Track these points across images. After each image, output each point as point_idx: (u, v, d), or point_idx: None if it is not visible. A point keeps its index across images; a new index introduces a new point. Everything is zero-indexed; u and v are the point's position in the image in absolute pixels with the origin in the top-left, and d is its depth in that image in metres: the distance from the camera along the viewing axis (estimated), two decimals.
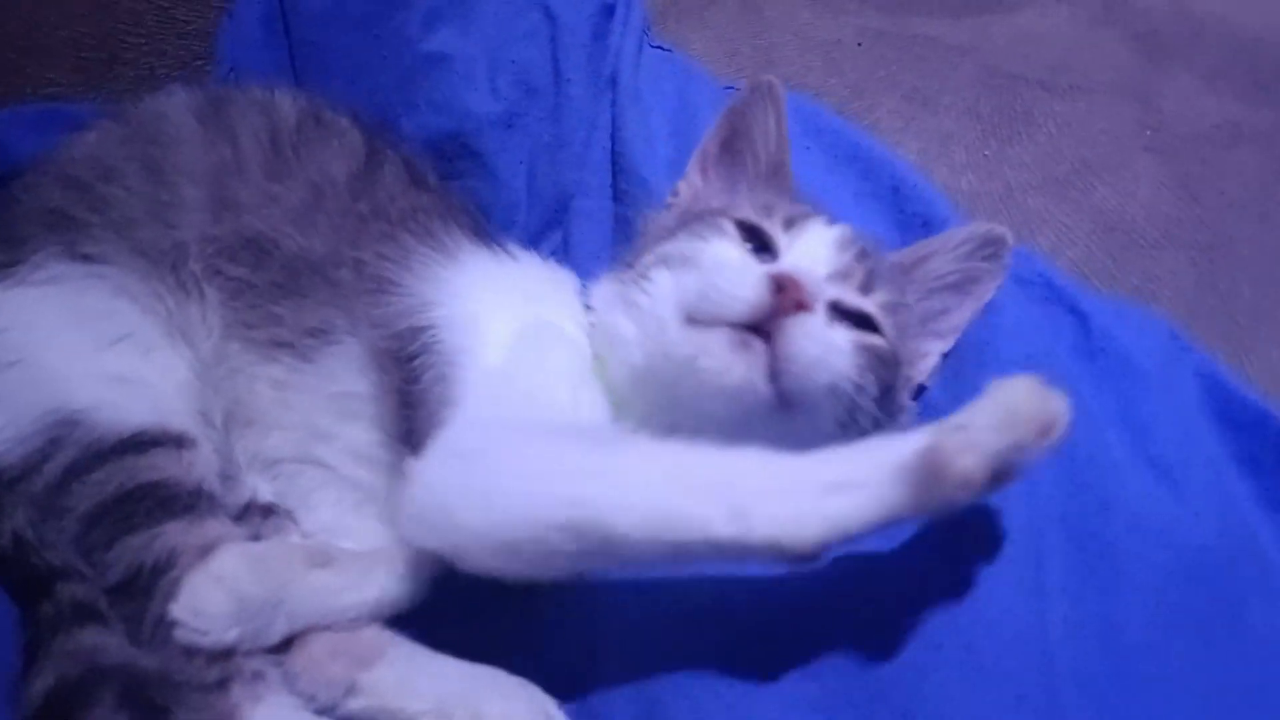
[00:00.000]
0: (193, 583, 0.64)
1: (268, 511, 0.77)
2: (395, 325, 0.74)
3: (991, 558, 0.61)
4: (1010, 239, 0.74)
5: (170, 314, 0.76)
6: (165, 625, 0.63)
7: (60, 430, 0.69)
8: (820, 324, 0.63)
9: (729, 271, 0.65)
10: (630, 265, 0.76)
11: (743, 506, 0.53)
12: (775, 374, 0.62)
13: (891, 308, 0.69)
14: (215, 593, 0.64)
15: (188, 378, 0.76)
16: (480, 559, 0.60)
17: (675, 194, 0.83)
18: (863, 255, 0.70)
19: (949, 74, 0.98)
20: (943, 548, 0.62)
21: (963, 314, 0.75)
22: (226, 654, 0.63)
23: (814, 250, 0.68)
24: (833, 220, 0.72)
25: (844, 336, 0.65)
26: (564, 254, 0.94)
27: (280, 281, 0.76)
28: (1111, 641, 0.60)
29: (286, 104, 0.85)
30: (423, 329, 0.74)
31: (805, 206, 0.75)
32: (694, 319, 0.65)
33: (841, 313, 0.67)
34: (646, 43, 1.02)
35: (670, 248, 0.72)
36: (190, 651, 0.63)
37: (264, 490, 0.78)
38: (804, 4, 1.07)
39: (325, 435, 0.75)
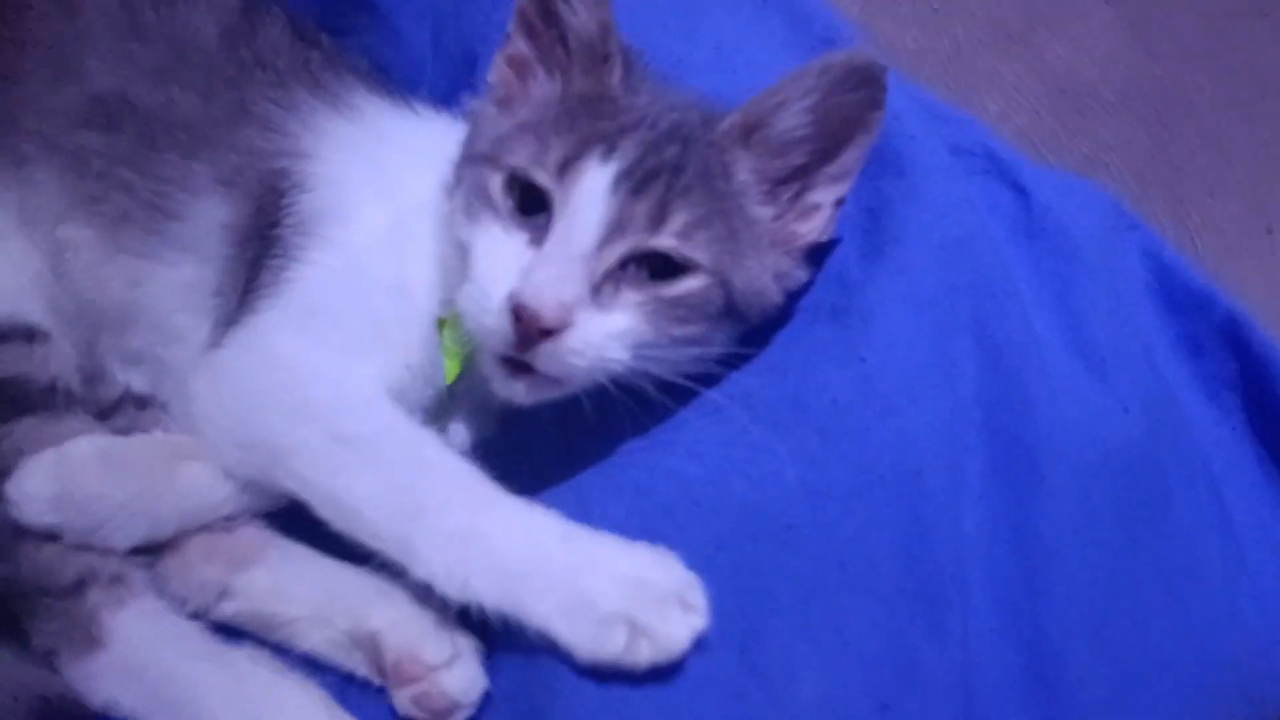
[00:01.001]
0: (31, 463, 0.62)
1: (142, 404, 0.74)
2: (268, 163, 0.71)
3: (906, 463, 0.57)
4: (879, 70, 0.61)
5: (20, 200, 0.71)
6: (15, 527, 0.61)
7: None
8: (577, 334, 0.57)
9: (483, 302, 0.59)
10: (454, 185, 0.67)
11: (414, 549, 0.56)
12: (551, 381, 0.60)
13: (703, 219, 0.61)
14: (46, 476, 0.62)
15: (39, 268, 0.71)
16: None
17: (492, 74, 0.71)
18: (650, 178, 0.60)
19: None
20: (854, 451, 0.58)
21: (850, 155, 0.64)
22: (79, 555, 0.61)
23: (586, 207, 0.59)
24: (610, 149, 0.61)
25: (621, 318, 0.59)
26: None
27: (133, 145, 0.72)
28: (1027, 546, 0.57)
29: None
30: (292, 180, 0.70)
31: (606, 121, 0.62)
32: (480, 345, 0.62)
33: (628, 277, 0.60)
34: None
35: (448, 205, 0.66)
36: (38, 552, 0.60)
37: (138, 382, 0.74)
38: None
39: (178, 334, 0.71)
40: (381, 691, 0.60)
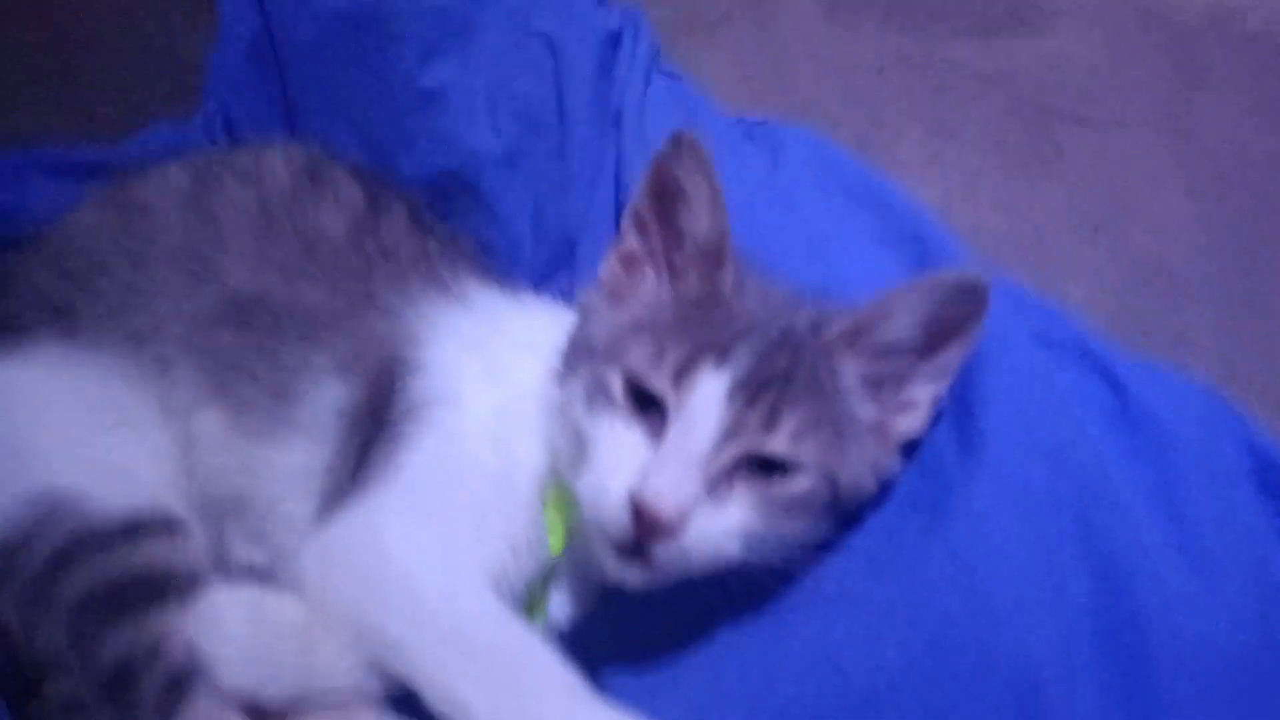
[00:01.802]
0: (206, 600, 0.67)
1: (265, 577, 0.75)
2: (385, 350, 0.74)
3: (1024, 678, 0.57)
4: (985, 285, 0.64)
5: (160, 396, 0.76)
6: (161, 714, 0.63)
7: (48, 515, 0.69)
8: (692, 535, 0.60)
9: (603, 496, 0.61)
10: (561, 378, 0.71)
11: None
12: (656, 570, 0.62)
13: (811, 421, 0.63)
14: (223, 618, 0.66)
15: (177, 461, 0.76)
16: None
17: (604, 269, 0.74)
18: (764, 386, 0.63)
19: (975, 104, 0.92)
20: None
21: (949, 356, 0.67)
22: None
23: (697, 417, 0.62)
24: (723, 357, 0.63)
25: (736, 514, 0.61)
26: (570, 297, 0.90)
27: (261, 336, 0.76)
28: None
29: (278, 166, 0.84)
30: (406, 366, 0.74)
31: (719, 327, 0.65)
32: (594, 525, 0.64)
33: (742, 474, 0.62)
34: (655, 69, 0.98)
35: (566, 398, 0.68)
36: None
37: (259, 559, 0.76)
38: (820, 22, 1.02)
39: (290, 521, 0.74)
40: None
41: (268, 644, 0.65)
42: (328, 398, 0.75)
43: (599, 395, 0.65)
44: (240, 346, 0.76)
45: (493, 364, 0.75)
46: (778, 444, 0.62)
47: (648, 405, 0.64)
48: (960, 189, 0.90)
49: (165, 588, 0.68)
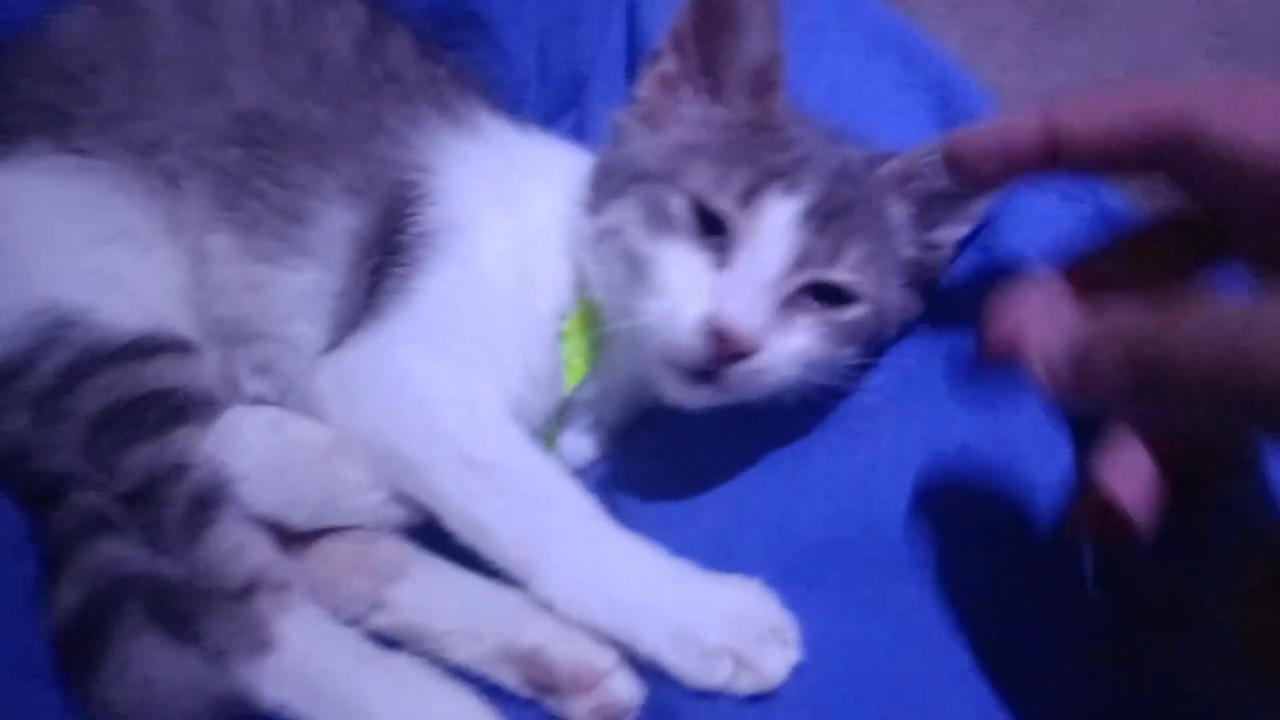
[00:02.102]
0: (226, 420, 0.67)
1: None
2: (396, 174, 0.74)
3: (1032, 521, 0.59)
4: None
5: (165, 212, 0.74)
6: (186, 531, 0.63)
7: (55, 330, 0.68)
8: (768, 355, 0.61)
9: (676, 320, 0.61)
10: (595, 203, 0.70)
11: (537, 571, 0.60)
12: (725, 391, 0.63)
13: (870, 255, 0.65)
14: (245, 436, 0.66)
15: (185, 280, 0.75)
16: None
17: (642, 89, 0.72)
18: (829, 217, 0.63)
19: None
20: None
21: (977, 205, 0.68)
22: (247, 560, 0.63)
23: (768, 244, 0.62)
24: (791, 183, 0.63)
25: (800, 338, 0.63)
26: (577, 138, 0.88)
27: (270, 155, 0.75)
28: None
29: None
30: (418, 192, 0.73)
31: (780, 153, 0.65)
32: (660, 357, 0.64)
33: (803, 303, 0.63)
34: None
35: (618, 218, 0.67)
36: (211, 554, 0.62)
37: (265, 391, 0.76)
38: None
39: (297, 343, 0.74)
40: (527, 704, 0.62)
41: (290, 464, 0.66)
42: (338, 222, 0.74)
43: (658, 218, 0.64)
44: (248, 165, 0.74)
45: (507, 194, 0.74)
46: (842, 274, 0.64)
47: (710, 229, 0.63)
48: (980, 41, 0.89)
49: (184, 406, 0.67)
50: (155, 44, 0.76)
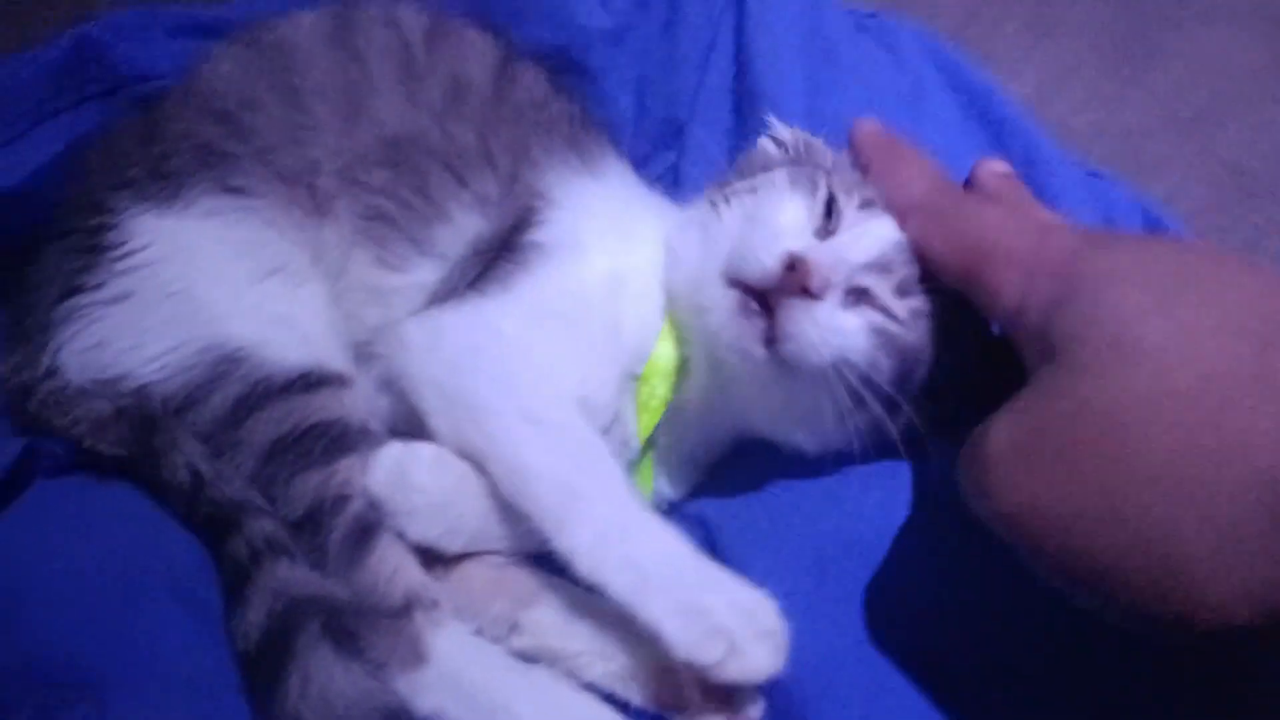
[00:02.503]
0: (383, 450, 0.71)
1: None
2: (524, 194, 0.79)
3: None
4: None
5: (309, 241, 0.79)
6: (349, 555, 0.68)
7: (224, 365, 0.72)
8: (825, 310, 0.64)
9: (763, 234, 0.66)
10: (724, 186, 0.76)
11: (565, 524, 0.64)
12: (771, 341, 0.65)
13: (925, 315, 0.68)
14: (391, 459, 0.70)
15: (331, 312, 0.79)
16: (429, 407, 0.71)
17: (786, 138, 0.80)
18: (912, 262, 0.68)
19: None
20: None
21: None
22: (404, 581, 0.68)
23: (868, 238, 0.68)
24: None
25: (857, 321, 0.66)
26: (672, 182, 0.94)
27: (416, 172, 0.79)
28: None
29: (410, 17, 0.86)
30: (539, 217, 0.77)
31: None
32: (726, 272, 0.67)
33: (869, 300, 0.67)
34: None
35: (762, 180, 0.73)
36: (375, 580, 0.68)
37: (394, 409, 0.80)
38: None
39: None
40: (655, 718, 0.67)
41: (452, 498, 0.70)
42: (470, 227, 0.78)
43: (802, 184, 0.70)
44: (396, 182, 0.79)
45: (618, 234, 0.79)
46: (900, 309, 0.67)
47: (828, 218, 0.69)
48: (1053, 83, 0.93)
49: (345, 436, 0.71)
50: (305, 77, 0.81)
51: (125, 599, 0.64)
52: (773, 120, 0.81)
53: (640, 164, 0.95)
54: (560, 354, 0.73)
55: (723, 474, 0.79)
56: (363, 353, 0.79)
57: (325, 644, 0.62)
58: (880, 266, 0.67)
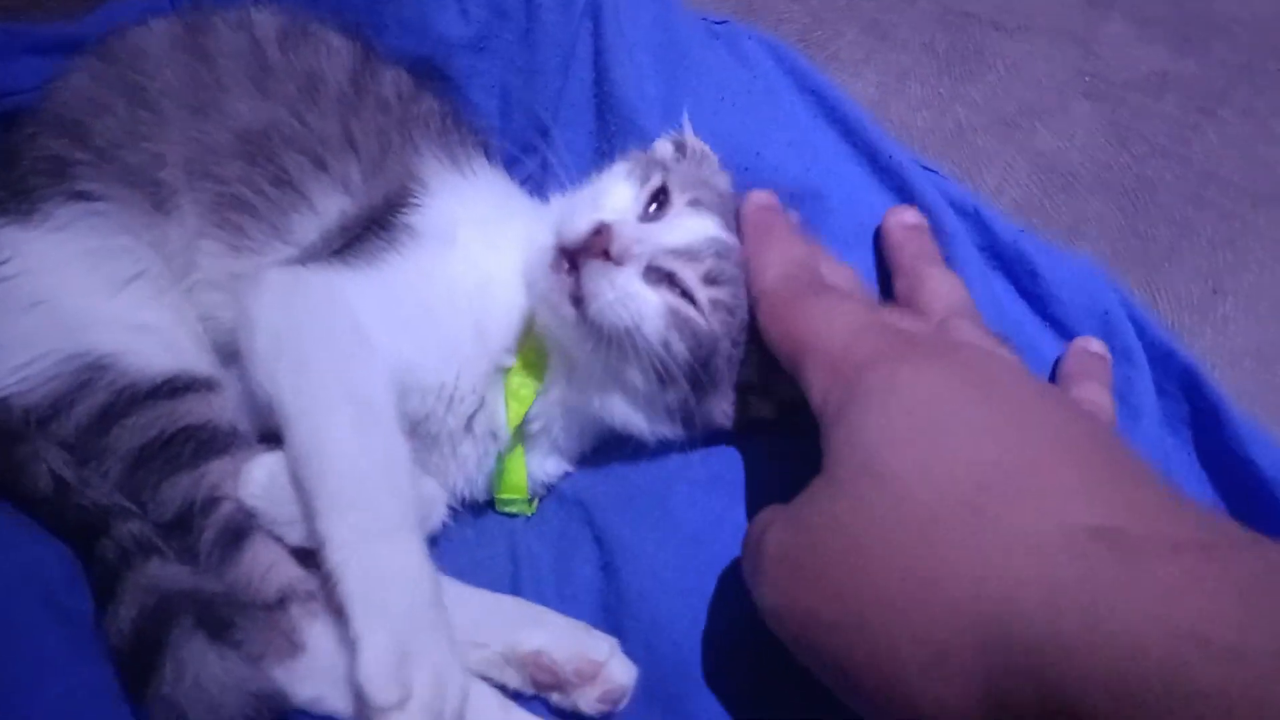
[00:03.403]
0: (257, 459, 0.71)
1: None
2: (394, 179, 0.81)
3: None
4: None
5: (163, 239, 0.79)
6: (220, 555, 0.69)
7: (87, 374, 0.73)
8: (623, 276, 0.69)
9: (584, 205, 0.73)
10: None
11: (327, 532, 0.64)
12: (577, 301, 0.70)
13: (726, 308, 0.73)
14: (262, 470, 0.70)
15: (191, 315, 0.80)
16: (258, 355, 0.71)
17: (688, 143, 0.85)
18: (723, 256, 0.74)
19: (907, 7, 1.02)
20: None
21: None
22: (279, 575, 0.69)
23: (682, 229, 0.73)
24: (714, 214, 0.76)
25: (655, 297, 0.70)
26: (540, 183, 0.95)
27: (273, 164, 0.80)
28: None
29: (265, 19, 0.87)
30: (412, 200, 0.79)
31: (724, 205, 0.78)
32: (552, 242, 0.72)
33: (673, 284, 0.72)
34: None
35: (617, 170, 0.78)
36: (249, 578, 0.68)
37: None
38: None
39: None
40: (532, 699, 0.69)
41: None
42: (334, 208, 0.80)
43: (635, 175, 0.76)
44: (249, 174, 0.80)
45: (486, 232, 0.81)
46: (702, 297, 0.72)
47: (658, 206, 0.75)
48: (892, 85, 1.00)
49: (213, 441, 0.72)
50: (153, 78, 0.81)
51: None
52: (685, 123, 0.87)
53: (508, 166, 0.97)
54: (413, 339, 0.74)
55: (604, 453, 0.82)
56: (227, 354, 0.79)
57: (198, 634, 0.63)
58: (689, 254, 0.72)
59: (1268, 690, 0.34)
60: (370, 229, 0.77)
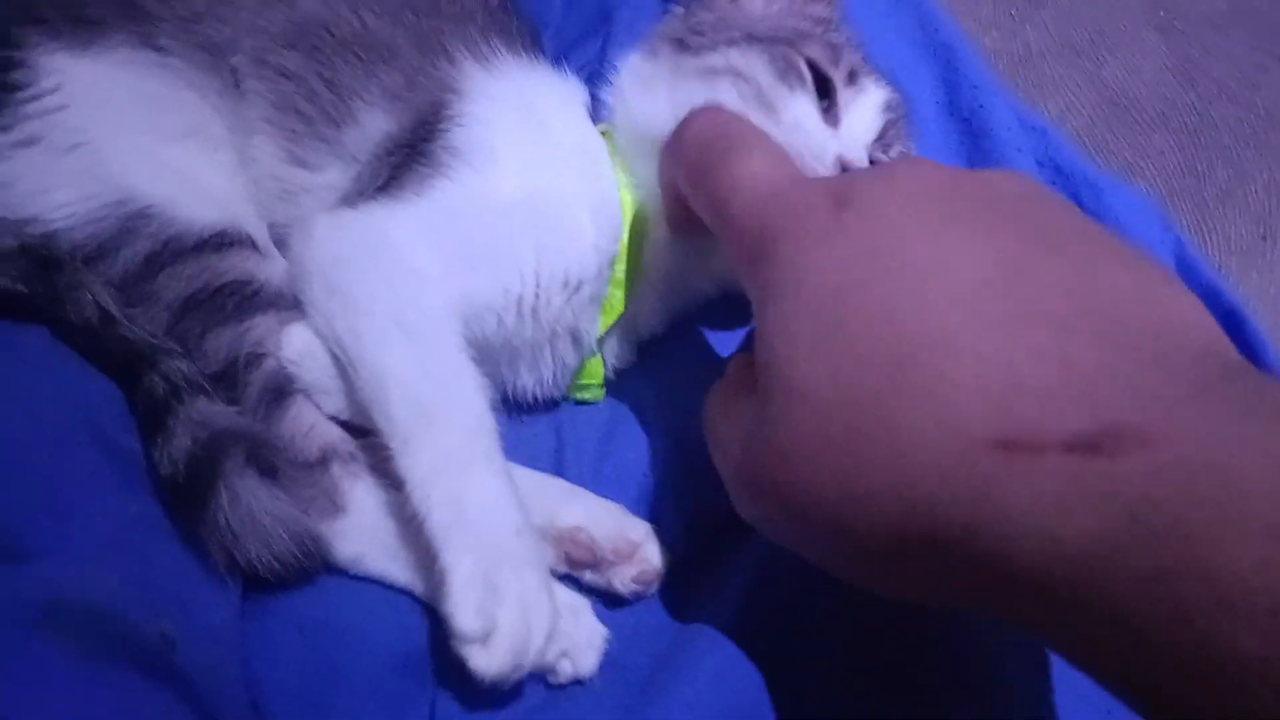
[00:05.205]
0: (297, 325, 0.71)
1: None
2: (433, 88, 0.77)
3: None
4: None
5: (229, 112, 0.78)
6: (265, 410, 0.69)
7: (134, 221, 0.71)
8: None
9: (809, 141, 0.68)
10: (689, 47, 0.75)
11: (410, 445, 0.63)
12: None
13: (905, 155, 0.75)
14: (301, 336, 0.70)
15: (246, 183, 0.78)
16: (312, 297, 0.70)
17: None
18: (895, 119, 0.74)
19: None
20: None
21: None
22: (322, 435, 0.69)
23: (867, 115, 0.73)
24: (879, 79, 0.75)
25: None
26: (601, 63, 0.92)
27: (326, 59, 0.78)
28: None
29: None
30: (449, 111, 0.76)
31: (858, 52, 0.77)
32: None
33: None
34: None
35: (743, 64, 0.72)
36: (292, 435, 0.69)
37: None
38: None
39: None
40: (562, 578, 0.69)
41: None
42: (377, 125, 0.77)
43: (789, 72, 0.71)
44: (304, 70, 0.78)
45: (530, 132, 0.77)
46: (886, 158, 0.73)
47: (821, 93, 0.72)
48: (961, 3, 0.98)
49: (258, 296, 0.71)
50: None
51: (49, 453, 0.63)
52: None
53: (572, 46, 0.95)
54: (468, 265, 0.71)
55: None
56: (278, 237, 0.78)
57: (250, 469, 0.63)
58: (878, 138, 0.72)
59: None
60: (413, 155, 0.74)
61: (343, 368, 0.68)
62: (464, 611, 0.57)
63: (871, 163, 0.71)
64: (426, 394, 0.64)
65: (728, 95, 0.71)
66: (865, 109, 0.73)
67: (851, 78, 0.73)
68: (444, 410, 0.64)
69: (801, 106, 0.70)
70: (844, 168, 0.67)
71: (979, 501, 0.39)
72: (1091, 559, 0.36)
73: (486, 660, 0.57)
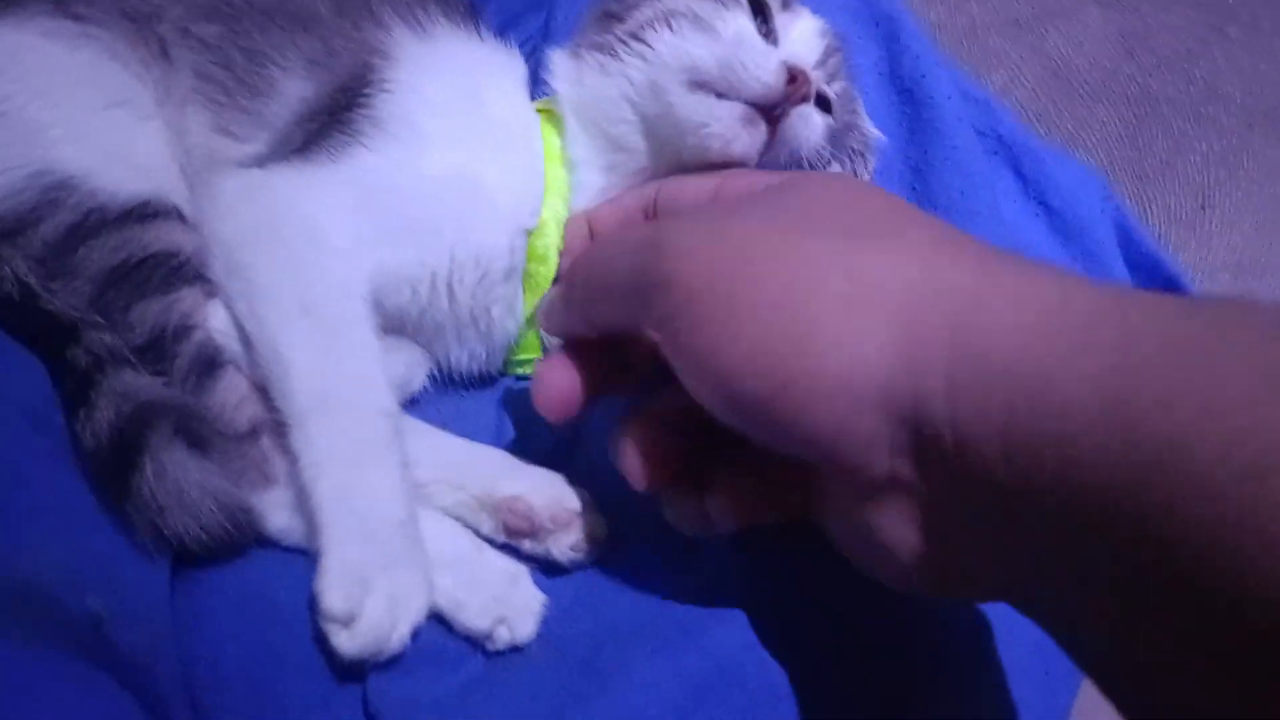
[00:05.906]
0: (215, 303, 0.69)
1: None
2: (355, 53, 0.76)
3: None
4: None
5: (155, 82, 0.76)
6: (195, 382, 0.67)
7: (55, 193, 0.69)
8: (813, 111, 0.69)
9: (752, 51, 0.68)
10: (614, 25, 0.75)
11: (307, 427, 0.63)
12: (767, 147, 0.68)
13: (841, 97, 0.75)
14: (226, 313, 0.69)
15: (176, 152, 0.76)
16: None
17: None
18: (835, 49, 0.75)
19: None
20: None
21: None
22: (251, 406, 0.68)
23: (806, 35, 0.73)
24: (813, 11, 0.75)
25: (821, 119, 0.71)
26: (544, 37, 0.92)
27: (246, 28, 0.76)
28: None
29: None
30: (375, 76, 0.74)
31: None
32: (703, 86, 0.68)
33: (818, 98, 0.71)
34: None
35: (678, 4, 0.72)
36: (221, 407, 0.67)
37: None
38: None
39: None
40: (500, 547, 0.68)
41: None
42: (295, 92, 0.75)
43: None
44: (222, 40, 0.76)
45: (460, 102, 0.76)
46: (832, 94, 0.74)
47: (756, 15, 0.72)
48: None
49: (184, 268, 0.69)
50: None
51: None
52: None
53: (515, 19, 0.94)
54: (383, 236, 0.70)
55: None
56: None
57: (178, 441, 0.62)
58: (820, 63, 0.73)
59: None
60: (332, 122, 0.72)
61: (245, 339, 0.67)
62: (332, 593, 0.58)
63: (819, 96, 0.71)
64: (328, 381, 0.64)
65: (665, 40, 0.70)
66: (804, 31, 0.73)
67: (786, 3, 0.74)
68: (344, 398, 0.64)
69: (740, 21, 0.70)
70: (792, 77, 0.67)
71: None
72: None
73: (347, 641, 0.58)
